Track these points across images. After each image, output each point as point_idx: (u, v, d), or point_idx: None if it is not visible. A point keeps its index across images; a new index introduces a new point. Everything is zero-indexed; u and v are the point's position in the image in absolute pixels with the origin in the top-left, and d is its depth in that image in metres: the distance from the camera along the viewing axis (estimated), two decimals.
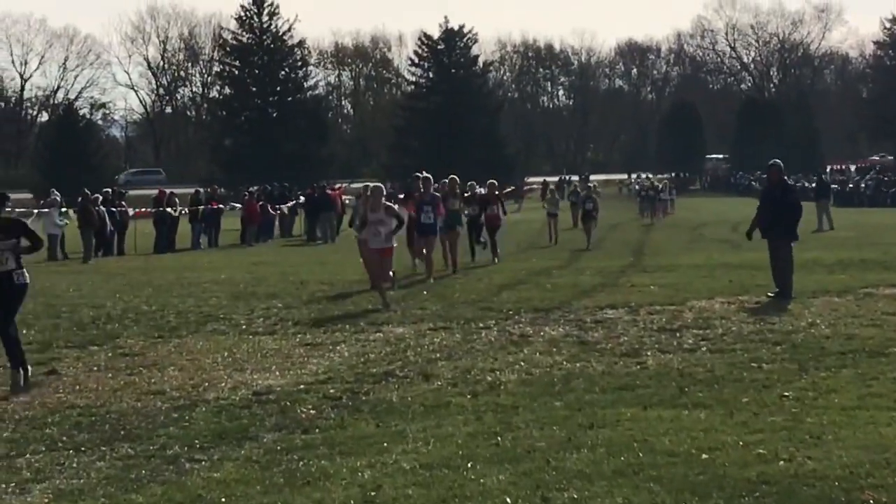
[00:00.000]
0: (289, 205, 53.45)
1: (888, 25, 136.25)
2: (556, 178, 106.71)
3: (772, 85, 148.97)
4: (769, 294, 19.93)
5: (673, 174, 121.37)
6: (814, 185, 63.13)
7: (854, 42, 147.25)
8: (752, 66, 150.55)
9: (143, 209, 46.21)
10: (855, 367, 12.84)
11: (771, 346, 14.45)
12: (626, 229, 48.79)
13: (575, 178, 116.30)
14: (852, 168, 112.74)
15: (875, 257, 28.31)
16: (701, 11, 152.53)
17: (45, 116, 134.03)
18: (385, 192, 22.11)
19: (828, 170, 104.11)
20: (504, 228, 32.32)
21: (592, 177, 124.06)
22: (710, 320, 16.97)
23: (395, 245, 21.16)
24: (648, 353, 14.18)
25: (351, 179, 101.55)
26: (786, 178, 21.60)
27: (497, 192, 32.36)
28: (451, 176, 29.51)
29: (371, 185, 22.98)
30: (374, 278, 21.65)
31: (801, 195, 26.09)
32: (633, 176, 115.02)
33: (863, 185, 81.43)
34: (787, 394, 11.44)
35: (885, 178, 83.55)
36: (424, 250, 25.71)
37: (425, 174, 27.10)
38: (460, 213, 28.72)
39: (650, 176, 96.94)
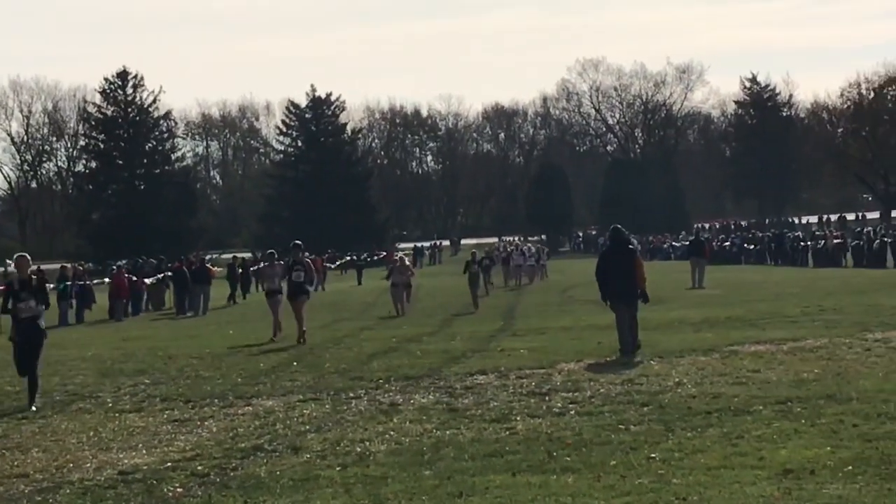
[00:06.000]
0: (153, 278, 52.58)
1: (748, 85, 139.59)
2: (428, 244, 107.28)
3: (637, 146, 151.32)
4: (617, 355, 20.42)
5: (543, 236, 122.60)
6: (687, 243, 64.25)
7: (716, 102, 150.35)
8: (616, 127, 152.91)
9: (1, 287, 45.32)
10: (720, 427, 12.98)
11: (638, 407, 14.56)
12: (497, 294, 48.95)
13: (446, 242, 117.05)
14: (717, 226, 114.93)
15: (740, 314, 28.76)
16: (565, 75, 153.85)
17: None
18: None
19: (694, 228, 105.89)
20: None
21: (463, 241, 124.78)
22: (578, 383, 17.06)
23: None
24: (517, 418, 14.21)
25: (221, 250, 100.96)
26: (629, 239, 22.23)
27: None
28: None
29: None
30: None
31: (673, 253, 26.70)
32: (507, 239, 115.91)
33: (727, 243, 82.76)
34: (653, 455, 11.53)
35: (750, 236, 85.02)
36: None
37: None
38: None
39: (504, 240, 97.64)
